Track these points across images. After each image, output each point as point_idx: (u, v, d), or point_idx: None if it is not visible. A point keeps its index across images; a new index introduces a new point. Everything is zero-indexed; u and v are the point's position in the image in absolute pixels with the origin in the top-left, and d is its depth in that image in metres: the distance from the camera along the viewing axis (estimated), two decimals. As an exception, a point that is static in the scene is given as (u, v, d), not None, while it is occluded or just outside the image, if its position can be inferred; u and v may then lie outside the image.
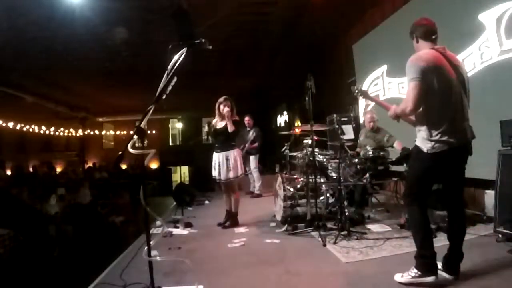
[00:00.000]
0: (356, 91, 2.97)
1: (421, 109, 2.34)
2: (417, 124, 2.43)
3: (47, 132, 16.08)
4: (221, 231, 4.43)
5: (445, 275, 2.39)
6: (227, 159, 4.42)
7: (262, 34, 8.64)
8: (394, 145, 4.63)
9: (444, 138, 2.29)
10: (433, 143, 2.31)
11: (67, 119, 16.91)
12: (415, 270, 2.36)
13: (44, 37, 7.56)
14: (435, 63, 2.30)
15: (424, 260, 2.34)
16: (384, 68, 6.06)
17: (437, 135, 2.30)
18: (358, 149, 4.87)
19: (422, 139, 2.37)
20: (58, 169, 17.00)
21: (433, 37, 2.44)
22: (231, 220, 4.58)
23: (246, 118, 7.57)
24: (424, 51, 2.37)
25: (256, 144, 7.31)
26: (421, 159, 2.37)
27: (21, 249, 5.23)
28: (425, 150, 2.34)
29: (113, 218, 6.68)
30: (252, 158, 7.35)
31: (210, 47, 2.44)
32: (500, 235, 3.00)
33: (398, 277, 2.44)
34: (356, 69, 7.12)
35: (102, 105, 16.30)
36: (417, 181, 2.45)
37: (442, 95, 2.29)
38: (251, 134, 7.33)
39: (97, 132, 18.57)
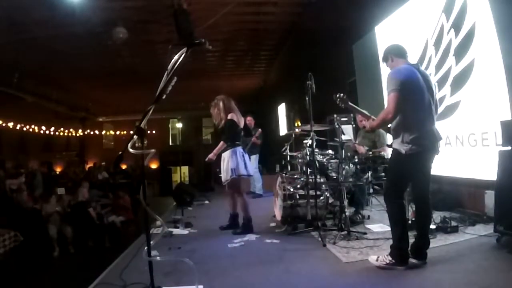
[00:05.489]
0: (338, 100, 3.19)
1: (398, 116, 2.65)
2: (394, 130, 2.73)
3: (47, 132, 16.09)
4: (221, 231, 4.40)
5: (414, 261, 2.64)
6: (223, 160, 4.31)
7: (262, 34, 8.65)
8: (382, 153, 4.18)
9: (419, 141, 2.59)
10: (410, 145, 2.59)
11: (67, 119, 16.93)
12: (390, 258, 2.64)
13: (44, 37, 7.57)
14: (412, 77, 2.63)
15: (399, 251, 2.62)
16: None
17: (412, 138, 2.59)
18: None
19: (400, 143, 2.65)
20: (58, 169, 17.02)
21: (406, 55, 2.82)
22: (244, 225, 4.21)
23: (248, 118, 7.55)
24: (402, 66, 2.71)
25: (259, 142, 7.26)
26: (400, 160, 2.67)
27: (21, 249, 5.24)
28: (403, 152, 2.62)
29: (113, 218, 6.69)
30: (253, 158, 7.33)
31: (210, 47, 2.44)
32: (500, 235, 2.99)
33: (373, 260, 2.73)
34: (356, 69, 7.12)
35: (102, 105, 16.32)
36: (397, 180, 2.76)
37: (416, 103, 2.63)
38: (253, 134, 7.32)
39: (97, 132, 18.58)
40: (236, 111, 4.37)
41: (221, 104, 4.31)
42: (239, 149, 4.27)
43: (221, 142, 4.29)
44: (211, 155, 4.36)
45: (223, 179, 4.30)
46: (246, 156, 4.36)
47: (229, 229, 4.34)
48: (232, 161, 4.16)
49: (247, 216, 4.23)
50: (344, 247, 3.27)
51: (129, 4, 6.59)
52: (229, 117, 4.27)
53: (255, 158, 7.35)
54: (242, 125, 4.42)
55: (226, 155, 4.27)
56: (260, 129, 7.38)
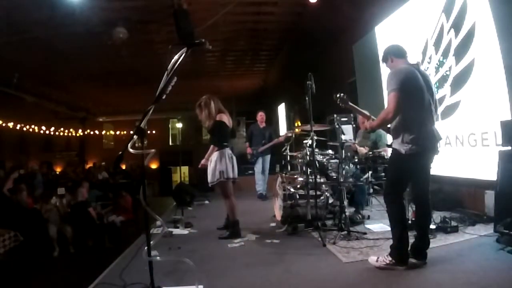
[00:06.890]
0: (338, 99, 3.18)
1: (398, 116, 2.64)
2: (394, 130, 2.72)
3: (47, 132, 16.08)
4: (221, 231, 4.38)
5: (414, 261, 2.65)
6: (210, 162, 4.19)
7: (262, 34, 8.64)
8: (383, 153, 4.16)
9: (418, 141, 2.59)
10: (410, 145, 2.59)
11: (67, 119, 16.93)
12: (390, 258, 2.64)
13: (44, 37, 7.56)
14: (412, 77, 2.63)
15: (399, 251, 2.63)
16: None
17: (412, 138, 2.59)
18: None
19: (400, 143, 2.65)
20: (58, 169, 17.02)
21: (406, 55, 2.82)
22: (230, 229, 4.09)
23: (260, 114, 7.34)
24: (403, 66, 2.71)
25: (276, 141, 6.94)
26: (400, 160, 2.68)
27: (21, 249, 5.24)
28: (403, 152, 2.62)
29: (113, 218, 6.69)
30: (268, 158, 7.16)
31: (210, 47, 2.44)
32: (500, 235, 2.99)
33: (373, 261, 2.73)
34: (356, 69, 7.12)
35: (102, 105, 16.31)
36: (397, 181, 2.76)
37: (416, 103, 2.63)
38: (268, 132, 7.11)
39: (97, 132, 18.58)
40: (225, 111, 4.26)
41: (212, 105, 4.15)
42: (228, 151, 4.14)
43: (212, 146, 4.16)
44: (203, 161, 4.23)
45: (209, 181, 4.17)
46: (234, 158, 4.22)
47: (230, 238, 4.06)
48: (221, 164, 4.03)
49: (234, 219, 4.10)
50: (344, 247, 3.27)
51: (129, 4, 6.58)
52: (217, 118, 4.14)
53: (268, 158, 7.24)
54: (231, 125, 4.30)
55: (213, 157, 4.12)
56: (271, 126, 7.25)
